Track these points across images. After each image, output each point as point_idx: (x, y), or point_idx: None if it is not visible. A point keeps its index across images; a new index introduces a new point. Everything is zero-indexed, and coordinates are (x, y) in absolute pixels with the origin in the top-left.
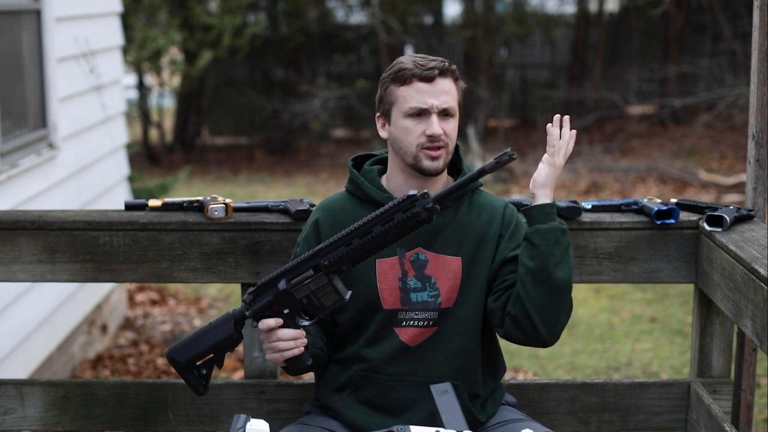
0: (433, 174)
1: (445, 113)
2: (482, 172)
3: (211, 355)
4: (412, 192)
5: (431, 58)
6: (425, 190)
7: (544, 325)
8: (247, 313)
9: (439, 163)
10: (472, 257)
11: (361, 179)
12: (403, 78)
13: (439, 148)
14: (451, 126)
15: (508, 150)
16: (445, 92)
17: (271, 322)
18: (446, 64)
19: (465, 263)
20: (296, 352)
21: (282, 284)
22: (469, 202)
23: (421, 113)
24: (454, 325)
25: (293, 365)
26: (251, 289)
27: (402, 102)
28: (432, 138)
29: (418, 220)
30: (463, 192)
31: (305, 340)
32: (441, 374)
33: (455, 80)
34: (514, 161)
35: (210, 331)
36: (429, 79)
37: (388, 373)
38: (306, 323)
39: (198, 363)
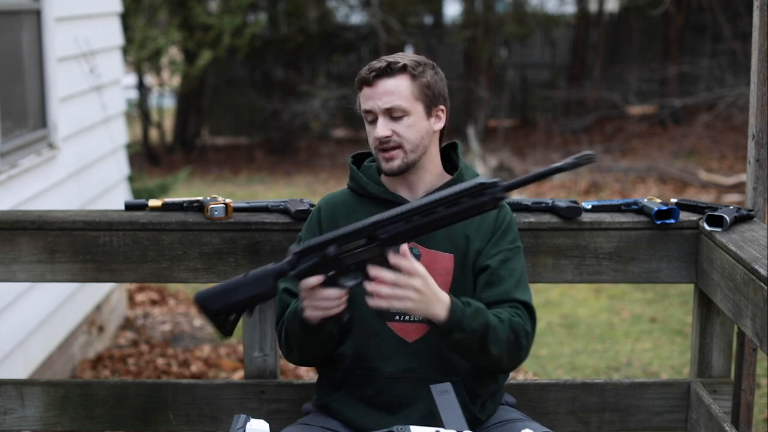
0: (390, 175)
1: (391, 113)
2: (558, 169)
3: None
4: (482, 179)
5: (385, 58)
6: (497, 178)
7: (509, 368)
8: (291, 273)
9: (393, 165)
10: (465, 254)
11: (359, 175)
12: (357, 84)
13: (391, 149)
14: (404, 124)
15: (589, 152)
16: (388, 93)
17: (313, 280)
18: (388, 63)
19: (457, 260)
20: (338, 310)
21: (332, 249)
22: None
23: (371, 117)
24: None
25: (334, 322)
26: (295, 249)
27: (360, 108)
28: (379, 141)
29: (484, 208)
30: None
31: (346, 299)
32: (439, 371)
33: (411, 77)
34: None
35: (246, 285)
36: (369, 83)
37: (386, 370)
38: (351, 284)
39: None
